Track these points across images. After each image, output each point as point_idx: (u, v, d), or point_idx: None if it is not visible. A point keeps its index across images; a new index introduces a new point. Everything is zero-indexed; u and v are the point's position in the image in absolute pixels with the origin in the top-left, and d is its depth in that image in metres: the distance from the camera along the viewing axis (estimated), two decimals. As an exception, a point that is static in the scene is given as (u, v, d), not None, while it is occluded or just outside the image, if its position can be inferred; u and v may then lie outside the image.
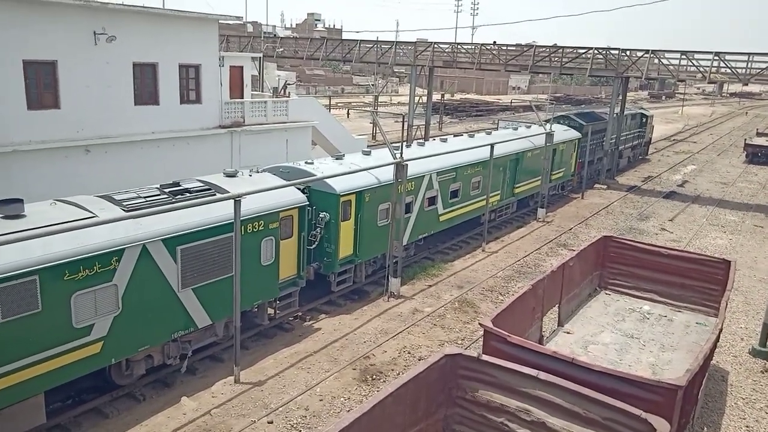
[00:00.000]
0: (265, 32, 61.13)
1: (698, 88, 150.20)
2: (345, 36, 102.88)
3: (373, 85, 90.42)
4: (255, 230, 13.43)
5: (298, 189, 15.12)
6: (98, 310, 10.69)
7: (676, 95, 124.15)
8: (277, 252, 14.14)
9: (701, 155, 50.41)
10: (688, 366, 9.46)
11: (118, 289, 10.93)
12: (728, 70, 31.49)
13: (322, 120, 29.91)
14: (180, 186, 12.89)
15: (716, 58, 30.92)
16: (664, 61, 32.88)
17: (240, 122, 25.42)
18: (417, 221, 19.61)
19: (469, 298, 17.66)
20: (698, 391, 10.68)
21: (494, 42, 39.36)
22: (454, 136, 29.94)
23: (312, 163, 17.27)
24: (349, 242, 16.82)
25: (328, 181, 15.91)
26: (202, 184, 13.26)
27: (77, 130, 20.27)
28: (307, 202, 15.24)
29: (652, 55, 32.51)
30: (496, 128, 33.22)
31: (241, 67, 27.21)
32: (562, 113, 37.66)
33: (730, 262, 14.06)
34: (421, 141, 24.12)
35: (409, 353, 14.19)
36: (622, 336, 13.23)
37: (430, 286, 18.49)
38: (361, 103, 75.66)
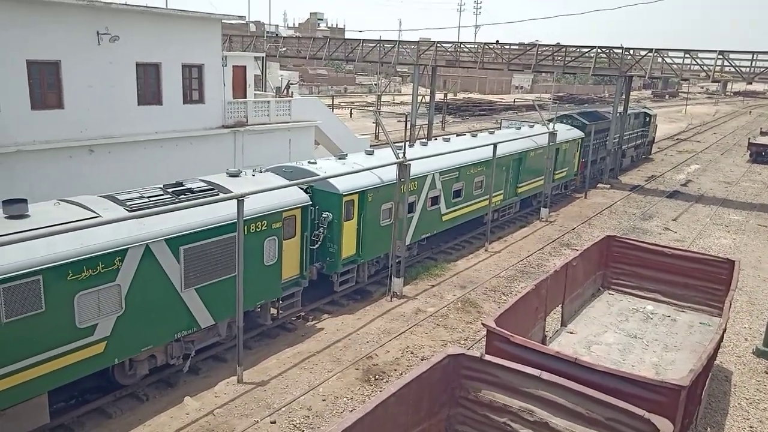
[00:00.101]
0: (267, 32, 61.14)
1: (702, 87, 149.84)
2: (348, 35, 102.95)
3: (375, 84, 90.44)
4: (258, 230, 13.44)
5: (301, 189, 15.13)
6: (101, 310, 10.71)
7: (680, 94, 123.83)
8: (280, 252, 14.15)
9: (705, 154, 50.28)
10: (692, 366, 9.43)
11: (121, 289, 10.95)
12: (732, 69, 31.39)
13: (324, 120, 29.93)
14: (183, 186, 12.91)
15: (720, 56, 30.83)
16: (668, 60, 32.78)
17: (243, 122, 25.45)
18: (420, 221, 19.60)
19: (472, 298, 17.65)
20: (702, 391, 10.65)
21: (497, 41, 39.32)
22: (457, 135, 29.90)
23: (315, 163, 17.27)
24: (351, 242, 16.82)
25: (331, 180, 15.91)
26: (205, 184, 13.28)
27: (81, 130, 20.32)
28: (310, 202, 15.25)
29: (655, 54, 32.43)
30: (499, 128, 33.18)
31: (244, 67, 27.24)
32: (565, 112, 37.61)
33: (734, 261, 14.02)
34: (423, 141, 24.10)
35: (411, 353, 14.19)
36: (626, 336, 13.21)
37: (433, 286, 18.48)
38: (364, 103, 75.69)
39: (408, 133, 40.18)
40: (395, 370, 13.38)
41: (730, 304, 12.16)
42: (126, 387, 11.99)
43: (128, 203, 11.68)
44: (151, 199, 12.06)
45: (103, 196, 12.02)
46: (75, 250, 10.21)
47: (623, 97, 35.65)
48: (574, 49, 35.43)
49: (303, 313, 15.99)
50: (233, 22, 29.33)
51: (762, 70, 30.41)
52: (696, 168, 43.01)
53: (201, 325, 12.65)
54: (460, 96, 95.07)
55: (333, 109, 45.77)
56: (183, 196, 12.41)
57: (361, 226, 16.95)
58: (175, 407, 11.68)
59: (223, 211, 12.47)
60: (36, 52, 19.03)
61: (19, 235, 9.23)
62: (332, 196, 16.09)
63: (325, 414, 11.62)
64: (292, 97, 30.38)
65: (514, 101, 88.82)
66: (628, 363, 11.97)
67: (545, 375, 8.50)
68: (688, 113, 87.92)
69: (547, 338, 13.02)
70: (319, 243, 16.11)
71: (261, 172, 15.15)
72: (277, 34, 62.81)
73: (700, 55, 31.80)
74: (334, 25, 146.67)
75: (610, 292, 15.59)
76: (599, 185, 34.39)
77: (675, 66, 32.70)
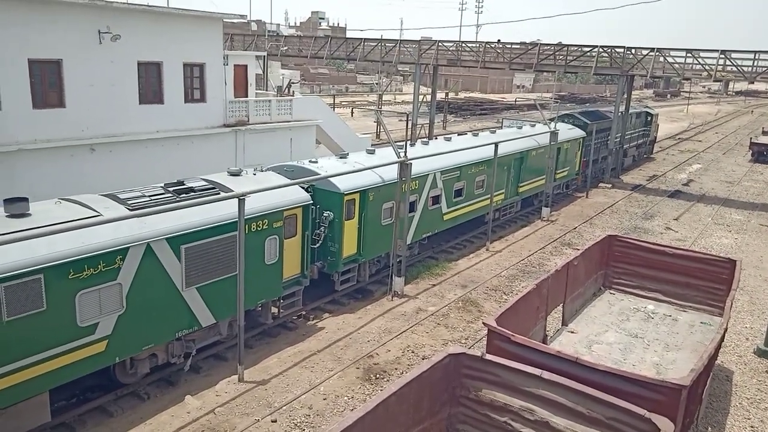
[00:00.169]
0: (269, 31, 61.14)
1: (704, 87, 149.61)
2: (349, 34, 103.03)
3: (377, 83, 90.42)
4: (259, 229, 13.44)
5: (302, 188, 15.13)
6: (103, 309, 10.72)
7: (682, 93, 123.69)
8: (281, 251, 14.16)
9: (706, 154, 50.22)
10: (693, 366, 9.42)
11: (122, 287, 10.96)
12: (734, 68, 31.36)
13: (326, 119, 29.93)
14: (184, 185, 12.91)
15: (722, 56, 30.79)
16: (670, 60, 32.75)
17: (244, 121, 25.46)
18: (421, 220, 19.60)
19: (473, 297, 17.65)
20: (703, 390, 10.64)
21: (498, 40, 39.28)
22: (459, 134, 29.91)
23: (316, 162, 17.27)
24: (352, 241, 16.82)
25: (332, 180, 15.91)
26: (206, 183, 13.28)
27: (82, 129, 20.34)
28: (311, 201, 15.25)
29: (657, 54, 32.39)
30: (501, 127, 33.17)
31: (246, 66, 27.27)
32: (567, 112, 37.58)
33: (735, 261, 14.00)
34: (425, 140, 24.11)
35: (412, 352, 14.20)
36: (627, 335, 13.20)
37: (434, 285, 18.48)
38: (365, 102, 75.69)
39: (409, 133, 40.19)
40: (396, 369, 13.39)
41: (732, 304, 12.14)
42: (127, 386, 12.01)
43: (129, 202, 11.69)
44: (152, 198, 12.07)
45: (104, 195, 12.03)
46: (76, 249, 10.22)
47: (625, 96, 35.62)
48: (575, 48, 35.39)
49: (304, 312, 16.00)
50: (235, 21, 29.37)
51: (764, 69, 30.35)
52: (697, 167, 42.96)
53: (202, 324, 12.66)
54: (462, 95, 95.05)
55: (334, 108, 45.82)
56: (184, 195, 12.41)
57: (362, 225, 16.95)
58: (176, 406, 11.70)
59: (224, 210, 12.47)
60: (37, 51, 19.04)
61: (20, 234, 9.24)
62: (333, 195, 16.09)
63: (325, 413, 11.63)
64: (293, 96, 30.40)
65: (516, 100, 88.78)
66: (629, 362, 11.96)
67: (546, 374, 8.50)
68: (689, 113, 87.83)
69: (548, 338, 13.01)
70: (320, 242, 16.11)
71: (262, 171, 15.16)
72: (278, 33, 62.83)
73: (702, 54, 31.75)
74: (336, 24, 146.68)
75: (611, 291, 15.58)
76: (601, 184, 34.37)
77: (677, 65, 32.67)
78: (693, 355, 12.07)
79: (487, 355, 9.19)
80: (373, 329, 15.27)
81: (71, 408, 11.39)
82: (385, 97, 70.35)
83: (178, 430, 10.95)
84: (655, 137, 48.19)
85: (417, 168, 18.06)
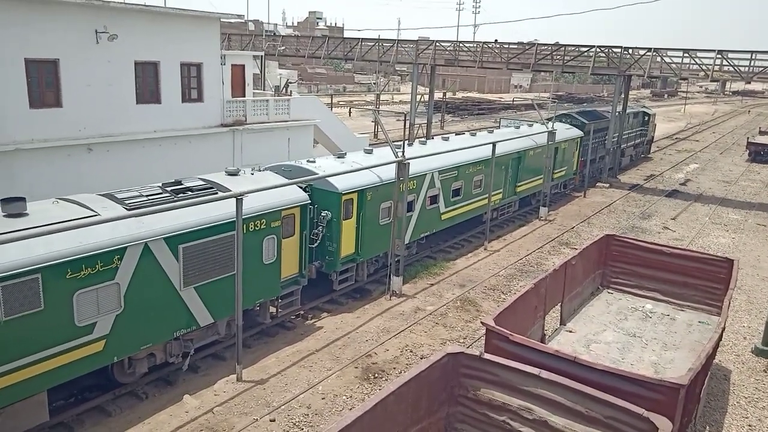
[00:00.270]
0: (266, 31, 61.14)
1: (701, 87, 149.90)
2: (347, 34, 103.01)
3: (374, 83, 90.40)
4: (257, 229, 13.43)
5: (300, 187, 15.13)
6: (100, 309, 10.71)
7: (679, 93, 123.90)
8: (279, 250, 14.15)
9: (704, 154, 50.32)
10: (691, 365, 9.44)
11: (120, 287, 10.94)
12: (731, 68, 31.41)
13: (323, 118, 29.91)
14: (182, 184, 12.90)
15: (719, 56, 30.84)
16: (667, 60, 32.79)
17: (242, 121, 25.43)
18: (419, 220, 19.61)
19: (471, 296, 17.66)
20: (700, 389, 10.66)
21: (496, 40, 39.30)
22: (456, 134, 29.90)
23: (314, 162, 17.26)
24: (350, 241, 16.82)
25: (330, 179, 15.90)
26: (204, 183, 13.27)
27: (79, 129, 20.29)
28: (309, 201, 15.24)
29: (654, 53, 32.44)
30: (498, 127, 33.17)
31: (243, 66, 27.20)
32: (564, 111, 37.62)
33: (732, 260, 14.03)
34: (423, 139, 24.11)
35: (411, 352, 14.20)
36: (625, 335, 13.22)
37: (432, 284, 18.48)
38: (363, 102, 75.66)
39: (407, 132, 40.19)
40: (394, 368, 13.39)
41: (729, 303, 12.17)
42: (125, 385, 11.98)
43: (127, 202, 11.67)
44: (150, 197, 12.05)
45: (102, 195, 12.01)
46: (74, 249, 10.20)
47: (622, 96, 35.66)
48: (573, 48, 35.42)
49: (302, 312, 15.99)
50: (232, 20, 29.32)
51: (761, 69, 30.43)
52: (695, 167, 43.05)
53: (200, 324, 12.64)
54: (459, 95, 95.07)
55: (332, 107, 45.79)
56: (182, 195, 12.40)
57: (360, 224, 16.95)
58: (174, 405, 11.68)
59: (222, 210, 12.46)
60: (34, 51, 18.99)
61: (17, 234, 9.21)
62: (331, 194, 16.08)
63: (324, 412, 11.62)
64: (290, 95, 30.37)
65: (513, 100, 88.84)
66: (627, 362, 11.98)
67: (544, 373, 8.50)
68: (687, 112, 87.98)
69: (546, 337, 13.02)
70: (318, 242, 16.10)
71: (260, 170, 15.14)
72: (275, 33, 62.75)
73: (699, 54, 31.82)
74: (333, 24, 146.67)
75: (609, 290, 15.60)
76: (598, 184, 34.41)
77: (674, 65, 32.72)
78: (691, 354, 12.09)
79: (486, 354, 9.20)
80: (372, 329, 15.27)
81: (69, 407, 11.36)
82: (382, 97, 70.28)
83: (176, 430, 10.94)
84: (653, 137, 48.26)
85: (415, 168, 18.06)
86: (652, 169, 41.35)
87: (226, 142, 25.09)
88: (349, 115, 58.58)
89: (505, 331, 9.72)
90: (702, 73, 32.25)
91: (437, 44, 39.11)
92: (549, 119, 28.26)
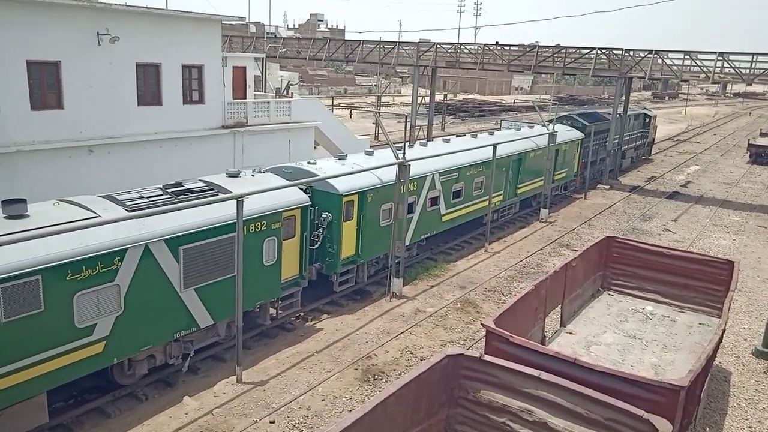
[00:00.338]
0: (267, 33, 61.16)
1: (702, 89, 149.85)
2: (348, 36, 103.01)
3: (375, 85, 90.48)
4: (257, 230, 13.44)
5: (301, 189, 15.13)
6: (101, 310, 10.71)
7: (680, 95, 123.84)
8: (280, 252, 14.15)
9: (704, 156, 50.29)
10: (691, 366, 9.43)
11: (120, 289, 10.95)
12: (732, 71, 31.41)
13: (324, 120, 29.94)
14: (182, 186, 12.91)
15: (720, 58, 30.85)
16: (668, 62, 32.80)
17: (243, 123, 25.46)
18: (419, 221, 19.61)
19: (471, 298, 17.65)
20: (701, 391, 10.65)
21: (497, 42, 39.35)
22: (457, 136, 29.90)
23: (314, 164, 17.27)
24: (351, 242, 16.82)
25: (330, 181, 15.91)
26: (204, 185, 13.28)
27: (80, 131, 20.32)
28: (310, 203, 15.25)
29: (655, 56, 32.45)
30: (499, 128, 33.17)
31: (244, 68, 27.23)
32: (565, 113, 37.60)
33: (733, 262, 14.02)
34: (423, 141, 24.11)
35: (411, 353, 14.19)
36: (625, 336, 13.21)
37: (433, 286, 18.48)
38: (364, 104, 75.70)
39: (408, 134, 40.20)
40: (394, 370, 13.38)
41: (730, 305, 12.17)
42: (125, 387, 11.99)
43: (127, 203, 11.68)
44: (151, 199, 12.06)
45: (103, 196, 12.02)
46: (74, 250, 10.21)
47: (623, 98, 35.67)
48: (573, 50, 35.47)
49: (302, 314, 15.99)
50: (233, 23, 29.37)
51: (762, 71, 30.45)
52: (696, 169, 43.02)
53: (200, 325, 12.65)
54: (460, 97, 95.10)
55: (333, 109, 45.79)
56: (182, 197, 12.41)
57: (360, 226, 16.95)
58: (174, 407, 11.68)
59: (222, 212, 12.47)
60: (36, 53, 19.03)
61: (18, 235, 9.23)
62: (332, 196, 16.09)
63: (324, 414, 11.62)
64: (291, 97, 30.39)
65: (514, 102, 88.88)
66: (627, 363, 11.97)
67: (544, 375, 8.50)
68: (687, 114, 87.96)
69: (547, 338, 13.01)
70: (319, 243, 16.11)
71: (260, 172, 15.16)
72: (276, 35, 62.83)
73: (700, 56, 31.84)
74: (334, 26, 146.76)
75: (610, 292, 15.59)
76: (599, 186, 34.40)
77: (675, 67, 32.72)
78: (691, 356, 12.08)
79: (486, 356, 9.20)
80: (372, 330, 15.27)
81: (69, 409, 11.36)
82: (383, 99, 70.36)
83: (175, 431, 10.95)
84: (654, 139, 48.26)
85: (415, 169, 18.07)
86: (652, 170, 41.34)
87: (227, 143, 25.12)
88: (350, 116, 58.61)
89: (506, 332, 9.72)
90: (703, 75, 32.29)
91: (438, 46, 39.15)
92: (550, 121, 28.26)
